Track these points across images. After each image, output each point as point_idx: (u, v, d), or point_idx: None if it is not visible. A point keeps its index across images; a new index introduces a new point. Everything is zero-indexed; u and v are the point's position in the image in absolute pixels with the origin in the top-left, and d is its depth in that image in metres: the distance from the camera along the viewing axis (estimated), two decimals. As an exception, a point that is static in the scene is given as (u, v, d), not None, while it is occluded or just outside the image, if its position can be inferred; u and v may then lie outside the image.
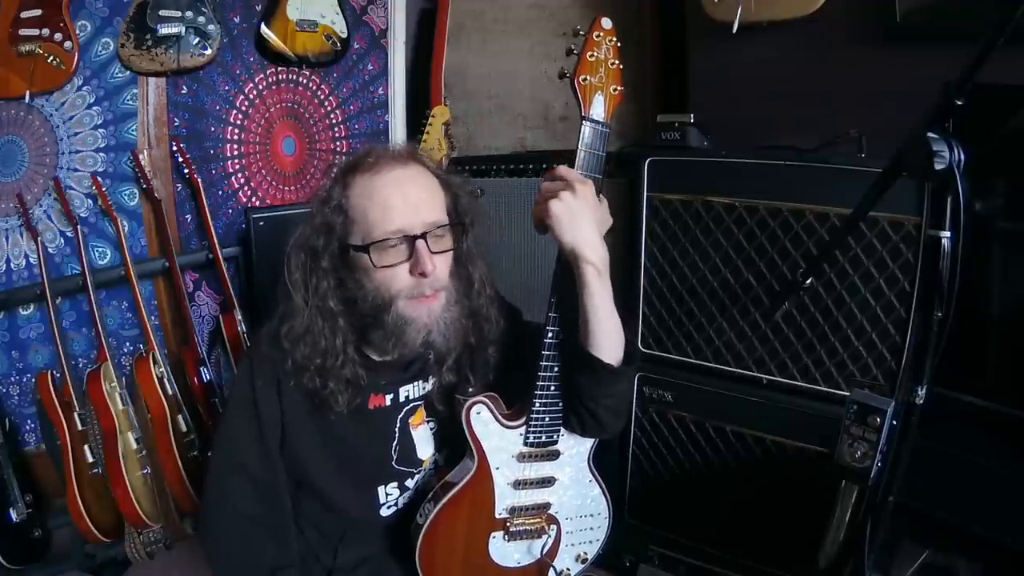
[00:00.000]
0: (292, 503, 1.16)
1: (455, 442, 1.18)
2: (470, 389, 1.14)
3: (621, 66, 1.07)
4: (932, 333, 0.89)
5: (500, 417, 1.11)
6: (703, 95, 1.92)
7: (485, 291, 1.16)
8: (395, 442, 1.17)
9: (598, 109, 1.05)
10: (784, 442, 1.52)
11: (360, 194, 1.05)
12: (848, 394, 1.11)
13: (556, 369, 1.09)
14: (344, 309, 1.08)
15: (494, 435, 1.12)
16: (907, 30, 1.54)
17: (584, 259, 1.00)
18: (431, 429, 1.21)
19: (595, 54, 1.04)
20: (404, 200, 1.04)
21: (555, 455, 1.16)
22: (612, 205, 1.64)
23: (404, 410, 1.17)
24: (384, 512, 1.19)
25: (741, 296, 1.56)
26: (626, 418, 1.25)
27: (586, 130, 1.05)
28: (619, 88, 1.07)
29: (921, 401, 0.92)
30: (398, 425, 1.17)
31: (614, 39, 1.05)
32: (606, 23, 1.04)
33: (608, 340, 1.06)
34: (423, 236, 1.03)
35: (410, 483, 1.20)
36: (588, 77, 1.04)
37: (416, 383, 1.18)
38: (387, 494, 1.18)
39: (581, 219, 0.99)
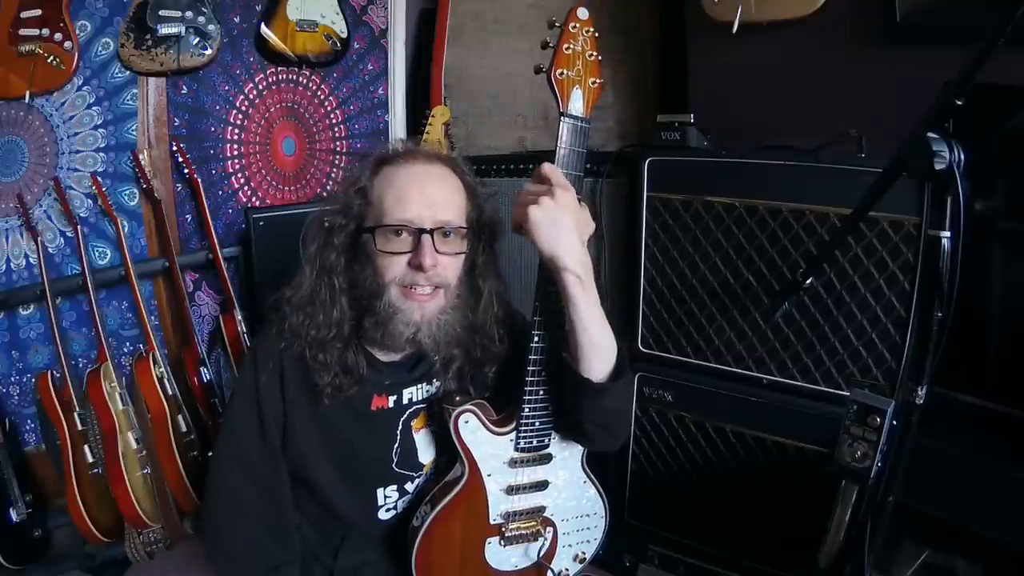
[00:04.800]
0: (293, 501, 1.16)
1: (455, 448, 1.18)
2: (457, 398, 1.12)
3: (600, 58, 1.03)
4: (932, 333, 0.89)
5: (489, 424, 1.10)
6: (703, 95, 1.92)
7: (492, 308, 1.15)
8: (396, 444, 1.16)
9: (577, 104, 1.02)
10: (784, 442, 1.52)
11: (382, 181, 1.08)
12: (848, 394, 1.11)
13: (544, 374, 1.08)
14: (348, 289, 1.09)
15: (484, 443, 1.10)
16: (907, 30, 1.55)
17: (564, 268, 0.98)
18: (433, 433, 1.20)
19: (571, 46, 1.00)
20: (421, 193, 1.05)
21: (548, 458, 1.15)
22: (612, 205, 1.64)
23: (407, 412, 1.17)
24: (383, 515, 1.19)
25: (741, 296, 1.56)
26: (622, 437, 1.21)
27: (565, 127, 1.02)
28: (598, 81, 1.03)
29: (921, 401, 0.92)
30: (400, 428, 1.16)
31: (591, 30, 1.02)
32: (582, 13, 1.00)
33: (595, 353, 1.03)
34: (431, 232, 1.03)
35: (409, 487, 1.19)
36: (565, 71, 1.01)
37: (420, 386, 1.18)
38: (386, 496, 1.18)
39: (561, 226, 0.97)
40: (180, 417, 1.69)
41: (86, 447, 1.60)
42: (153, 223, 1.83)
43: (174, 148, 1.81)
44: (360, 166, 1.13)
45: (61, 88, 1.66)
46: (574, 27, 1.01)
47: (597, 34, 1.03)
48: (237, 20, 1.92)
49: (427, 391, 1.18)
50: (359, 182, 1.09)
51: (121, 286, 1.78)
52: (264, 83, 2.01)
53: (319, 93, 2.15)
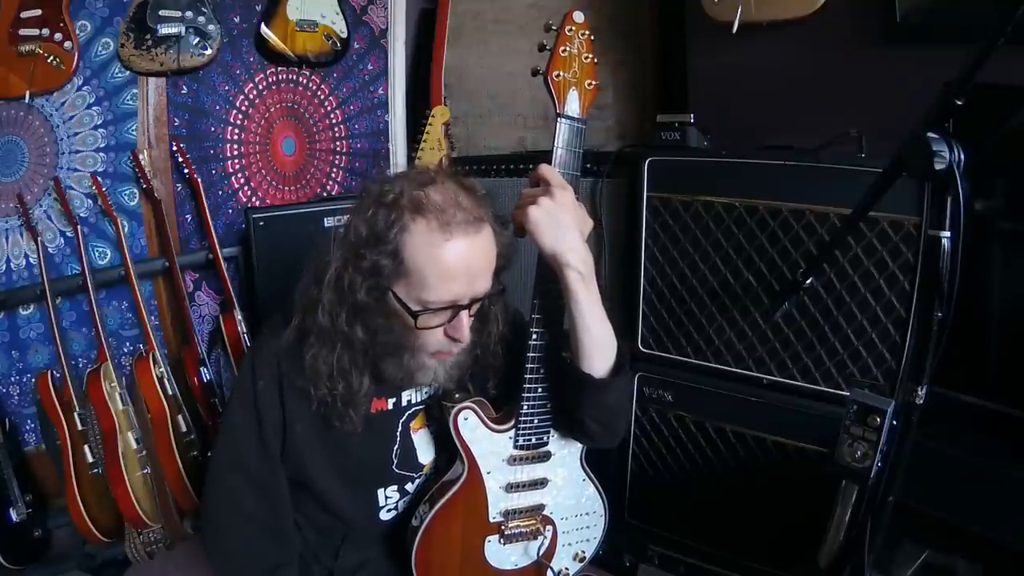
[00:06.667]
0: (292, 503, 1.16)
1: (455, 446, 1.18)
2: (456, 395, 1.12)
3: (595, 60, 1.05)
4: (932, 333, 0.89)
5: (488, 421, 1.11)
6: (703, 95, 1.92)
7: (497, 328, 1.15)
8: (396, 446, 1.16)
9: (573, 105, 1.04)
10: (784, 442, 1.52)
11: (423, 249, 0.96)
12: (848, 394, 1.11)
13: (543, 371, 1.09)
14: (367, 339, 1.05)
15: (483, 440, 1.11)
16: (907, 30, 1.55)
17: (567, 264, 0.99)
18: (432, 433, 1.20)
19: (568, 49, 1.03)
20: (467, 272, 0.99)
21: (546, 456, 1.15)
22: (612, 205, 1.63)
23: (406, 414, 1.17)
24: (384, 516, 1.19)
25: (741, 296, 1.56)
26: (620, 434, 1.20)
27: (562, 127, 1.04)
28: (594, 83, 1.05)
29: (921, 401, 0.92)
30: (399, 429, 1.17)
31: (587, 33, 1.04)
32: (578, 17, 1.03)
33: (596, 349, 1.04)
34: (468, 306, 1.01)
35: (410, 487, 1.20)
36: (561, 73, 1.03)
37: (418, 387, 1.18)
38: (386, 497, 1.18)
39: (561, 224, 0.98)
40: (180, 417, 1.69)
41: (86, 447, 1.60)
42: (153, 223, 1.83)
43: (174, 148, 1.81)
44: (385, 215, 0.97)
45: (61, 88, 1.66)
46: (570, 30, 1.03)
47: (593, 37, 1.05)
48: (237, 20, 1.92)
49: (425, 392, 1.18)
50: (388, 241, 0.97)
51: (121, 286, 1.77)
52: (264, 83, 2.01)
53: (319, 93, 2.15)
